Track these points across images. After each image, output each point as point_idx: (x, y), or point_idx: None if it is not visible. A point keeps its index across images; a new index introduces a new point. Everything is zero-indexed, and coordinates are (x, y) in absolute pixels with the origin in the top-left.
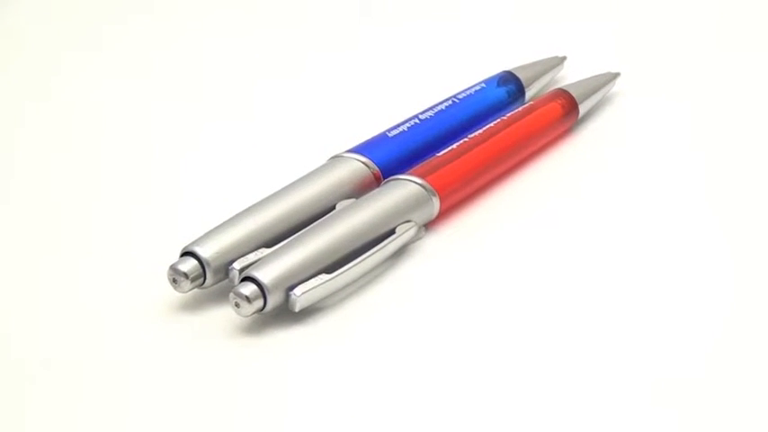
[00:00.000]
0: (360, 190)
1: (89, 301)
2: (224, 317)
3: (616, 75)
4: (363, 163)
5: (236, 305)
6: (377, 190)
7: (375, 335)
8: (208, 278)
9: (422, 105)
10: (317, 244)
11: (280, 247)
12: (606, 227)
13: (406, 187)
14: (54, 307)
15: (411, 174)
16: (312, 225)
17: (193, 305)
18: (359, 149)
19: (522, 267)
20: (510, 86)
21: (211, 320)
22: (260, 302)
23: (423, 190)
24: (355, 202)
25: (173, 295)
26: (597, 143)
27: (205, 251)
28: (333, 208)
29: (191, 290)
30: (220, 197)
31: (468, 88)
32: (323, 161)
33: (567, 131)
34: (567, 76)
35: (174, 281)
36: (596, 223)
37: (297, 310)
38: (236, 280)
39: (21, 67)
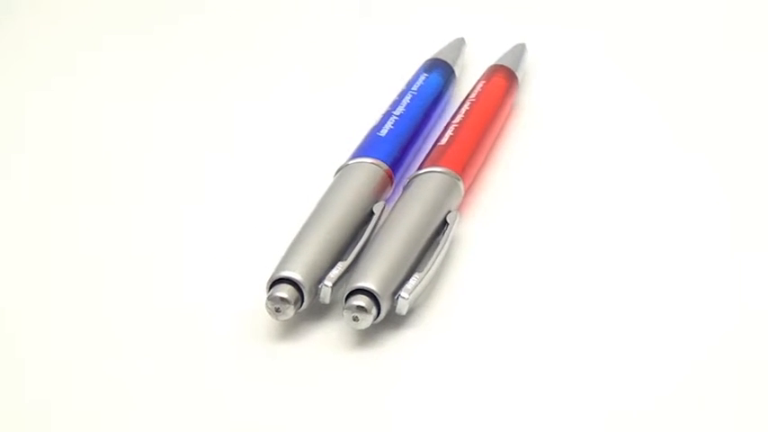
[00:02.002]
0: (380, 190)
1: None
2: (324, 334)
3: (523, 45)
4: (376, 165)
5: (355, 319)
6: (411, 189)
7: (477, 329)
8: (305, 300)
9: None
10: (395, 247)
11: (362, 257)
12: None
13: (436, 179)
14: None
15: (431, 165)
16: (377, 230)
17: (284, 330)
18: (366, 153)
19: (559, 246)
20: (441, 71)
21: (313, 340)
22: (375, 311)
23: (450, 177)
24: (401, 202)
25: (261, 324)
26: (548, 112)
27: (297, 274)
28: (371, 212)
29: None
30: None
31: (414, 80)
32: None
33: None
34: (472, 56)
35: (278, 310)
36: (596, 185)
37: (405, 312)
38: (328, 297)
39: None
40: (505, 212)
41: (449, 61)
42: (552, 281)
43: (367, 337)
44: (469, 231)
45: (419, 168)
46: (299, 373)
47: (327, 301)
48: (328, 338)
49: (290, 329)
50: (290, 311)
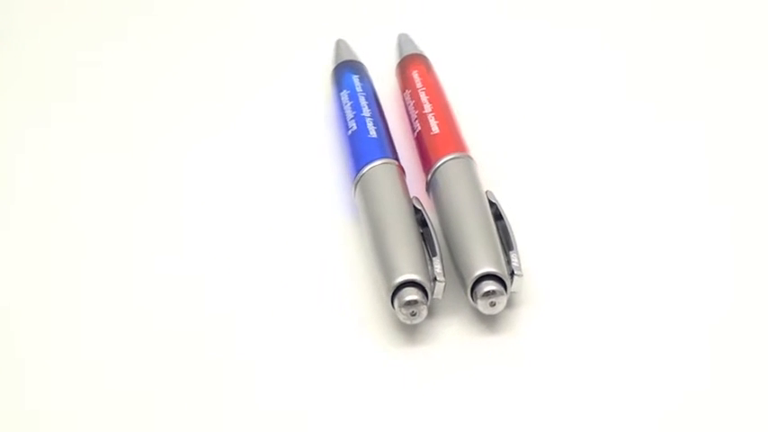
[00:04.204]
0: (405, 185)
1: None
2: (445, 328)
3: (407, 34)
4: (390, 163)
5: (492, 304)
6: (447, 178)
7: (573, 295)
8: (429, 299)
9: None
10: (482, 232)
11: (456, 247)
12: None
13: (462, 164)
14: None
15: (444, 154)
16: (446, 221)
17: (408, 334)
18: (375, 156)
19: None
20: (359, 71)
21: (440, 336)
22: (504, 292)
23: (469, 160)
24: (449, 191)
25: (379, 333)
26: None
27: (417, 277)
28: (414, 207)
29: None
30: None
31: (350, 83)
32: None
33: None
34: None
35: (413, 314)
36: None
37: (519, 289)
38: (442, 293)
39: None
40: (507, 183)
41: (358, 60)
42: (601, 235)
43: (491, 321)
44: None
45: (429, 159)
46: (454, 370)
47: (441, 296)
48: (454, 332)
49: (412, 332)
50: (424, 312)
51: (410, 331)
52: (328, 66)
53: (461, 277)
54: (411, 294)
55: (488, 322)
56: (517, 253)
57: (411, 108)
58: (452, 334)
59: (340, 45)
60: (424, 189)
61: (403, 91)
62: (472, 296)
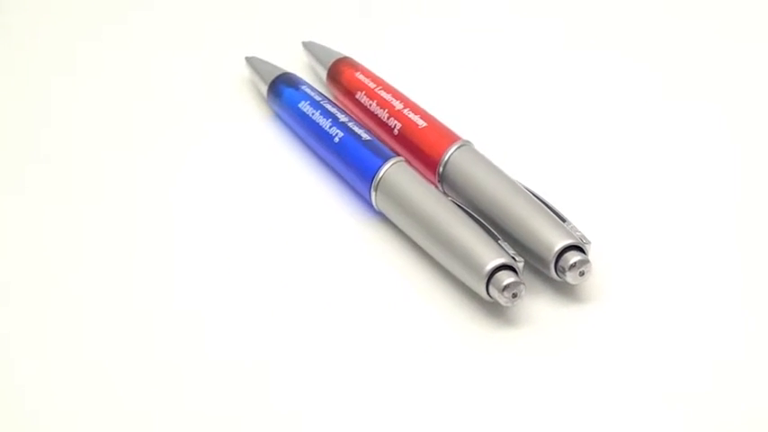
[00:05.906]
0: (426, 178)
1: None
2: (528, 307)
3: (312, 42)
4: (399, 160)
5: (581, 274)
6: (466, 165)
7: (628, 260)
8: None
9: None
10: (533, 209)
11: (518, 228)
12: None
13: (470, 150)
14: None
15: (447, 145)
16: (488, 205)
17: (500, 320)
18: (382, 157)
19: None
20: (297, 80)
21: (529, 318)
22: (588, 260)
23: (470, 145)
24: (476, 178)
25: (460, 322)
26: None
27: (505, 260)
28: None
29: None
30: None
31: (305, 96)
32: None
33: None
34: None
35: (514, 295)
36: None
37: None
38: (520, 272)
39: None
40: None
41: (289, 72)
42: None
43: (572, 293)
44: None
45: (430, 152)
46: (570, 342)
47: (520, 277)
48: (545, 308)
49: (504, 316)
50: (523, 291)
51: (502, 316)
52: (239, 84)
53: (536, 255)
54: (509, 277)
55: (570, 295)
56: (571, 223)
57: (375, 108)
58: (546, 311)
59: (256, 62)
60: (435, 182)
61: (354, 94)
62: (557, 271)
